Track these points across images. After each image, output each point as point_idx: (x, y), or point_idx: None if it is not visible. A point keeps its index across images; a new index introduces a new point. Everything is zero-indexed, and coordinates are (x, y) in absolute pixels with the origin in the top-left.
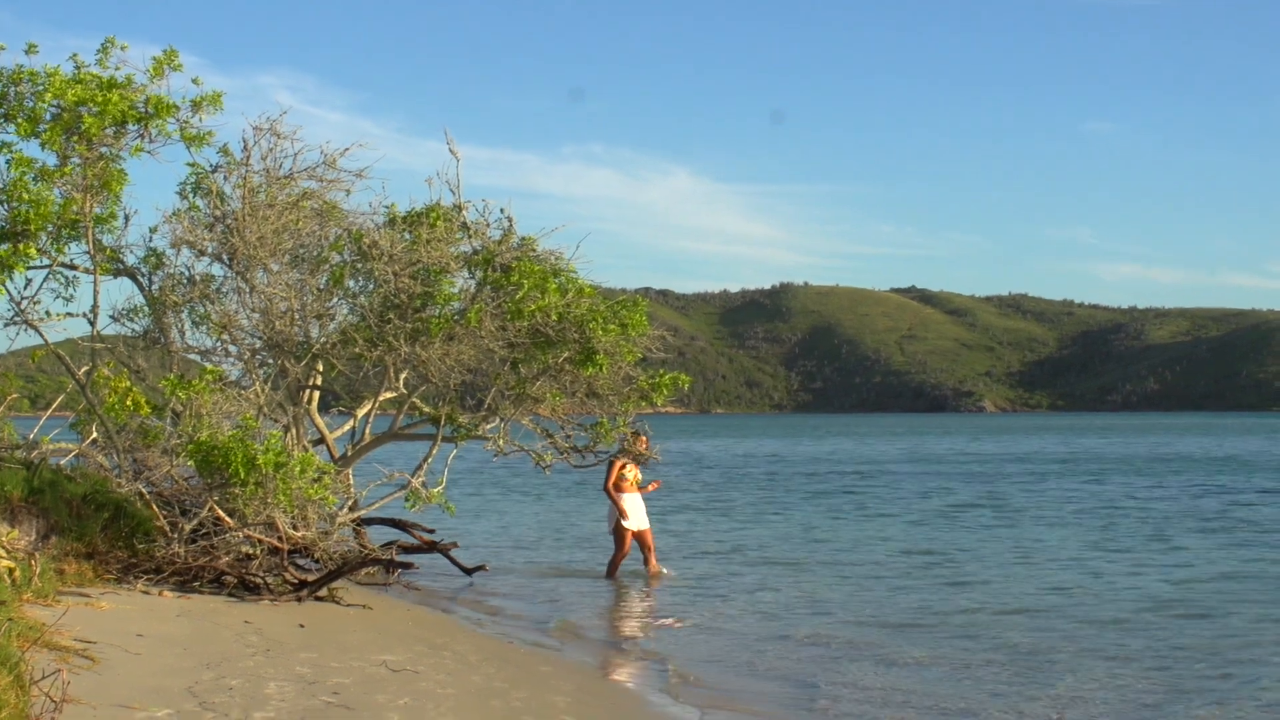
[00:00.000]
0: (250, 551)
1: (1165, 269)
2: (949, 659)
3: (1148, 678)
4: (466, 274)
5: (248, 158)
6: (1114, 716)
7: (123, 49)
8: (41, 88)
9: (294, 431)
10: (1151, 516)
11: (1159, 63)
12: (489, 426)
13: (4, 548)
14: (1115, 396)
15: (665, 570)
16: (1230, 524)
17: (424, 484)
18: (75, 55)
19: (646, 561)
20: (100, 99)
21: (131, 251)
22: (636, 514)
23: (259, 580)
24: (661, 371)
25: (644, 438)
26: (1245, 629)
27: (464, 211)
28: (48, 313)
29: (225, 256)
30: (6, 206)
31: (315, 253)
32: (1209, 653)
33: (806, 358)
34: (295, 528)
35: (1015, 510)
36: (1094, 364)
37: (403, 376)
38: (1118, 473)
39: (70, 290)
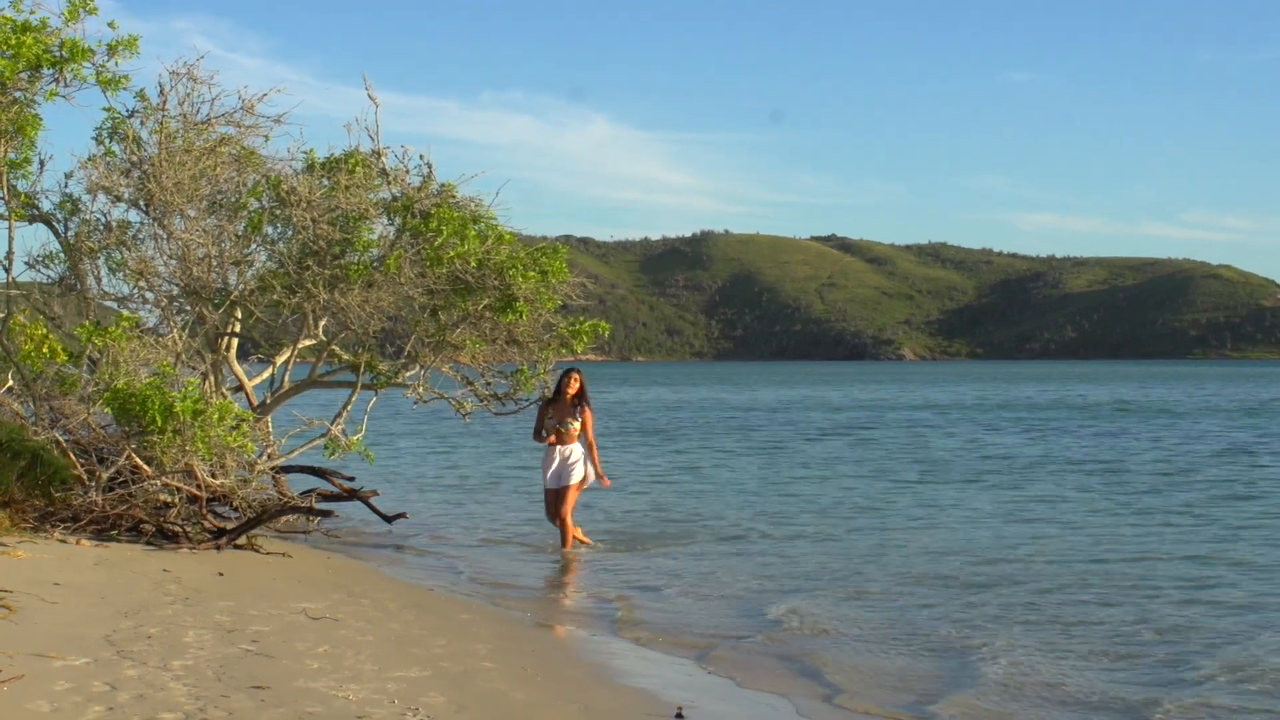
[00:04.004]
0: (168, 499)
1: (1083, 218)
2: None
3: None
4: (385, 220)
5: (164, 103)
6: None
7: None
8: None
9: (212, 379)
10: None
11: (1077, 12)
12: (409, 374)
13: None
14: (1033, 344)
15: (577, 546)
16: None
17: (343, 431)
18: None
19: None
20: (14, 42)
21: (47, 197)
22: (554, 470)
23: (177, 528)
24: (582, 319)
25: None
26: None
27: (383, 158)
28: None
29: (142, 202)
30: None
31: (233, 199)
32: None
33: (727, 306)
34: (214, 475)
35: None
36: (1012, 312)
37: (322, 324)
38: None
39: None
